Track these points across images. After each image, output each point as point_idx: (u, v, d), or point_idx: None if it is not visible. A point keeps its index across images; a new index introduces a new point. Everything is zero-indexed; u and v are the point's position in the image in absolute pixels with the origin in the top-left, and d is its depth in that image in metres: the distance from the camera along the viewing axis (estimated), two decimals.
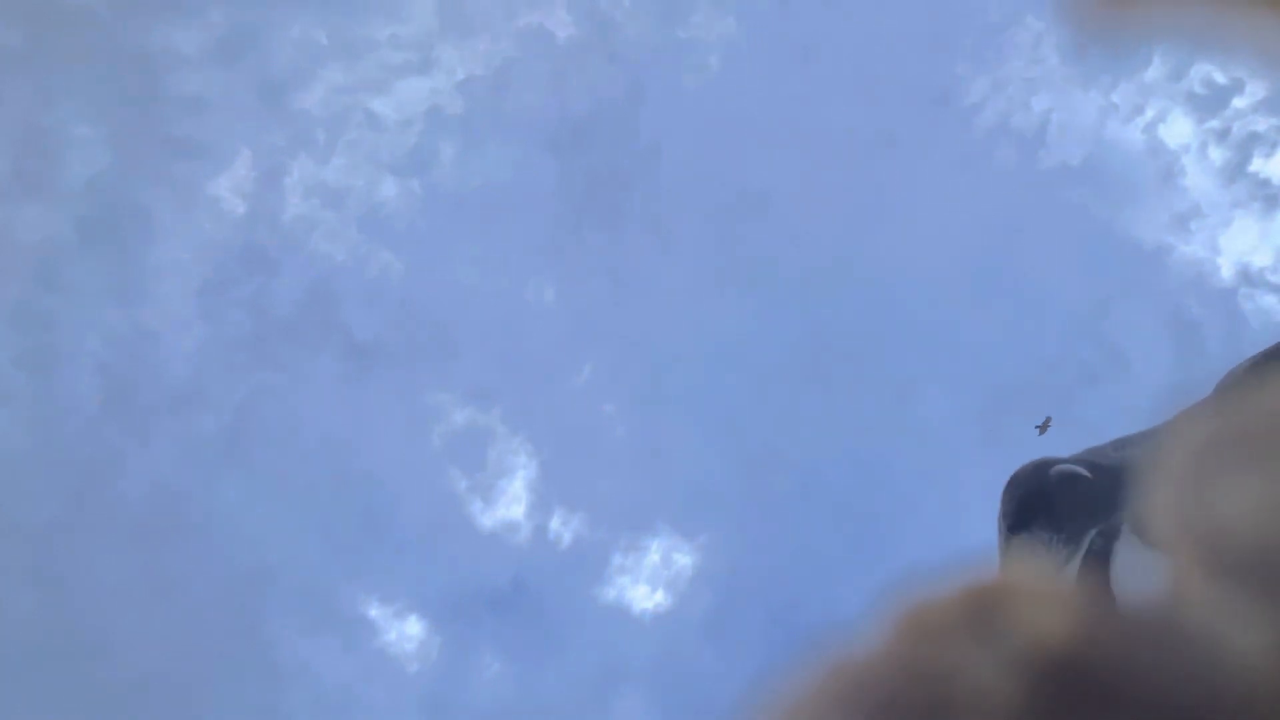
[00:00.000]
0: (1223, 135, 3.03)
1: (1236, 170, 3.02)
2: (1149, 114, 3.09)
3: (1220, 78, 3.07)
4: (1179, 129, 3.10)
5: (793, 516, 2.91)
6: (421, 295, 3.13)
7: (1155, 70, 3.10)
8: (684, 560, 2.99)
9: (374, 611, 3.05)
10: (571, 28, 3.26)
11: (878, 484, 2.86)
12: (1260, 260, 2.96)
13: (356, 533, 3.05)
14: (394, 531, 3.05)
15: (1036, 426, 2.83)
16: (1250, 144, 3.02)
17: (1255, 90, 3.04)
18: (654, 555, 3.00)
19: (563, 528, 3.05)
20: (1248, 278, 2.95)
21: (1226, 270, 2.96)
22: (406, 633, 3.04)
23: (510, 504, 3.07)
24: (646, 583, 2.99)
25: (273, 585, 3.02)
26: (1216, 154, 3.03)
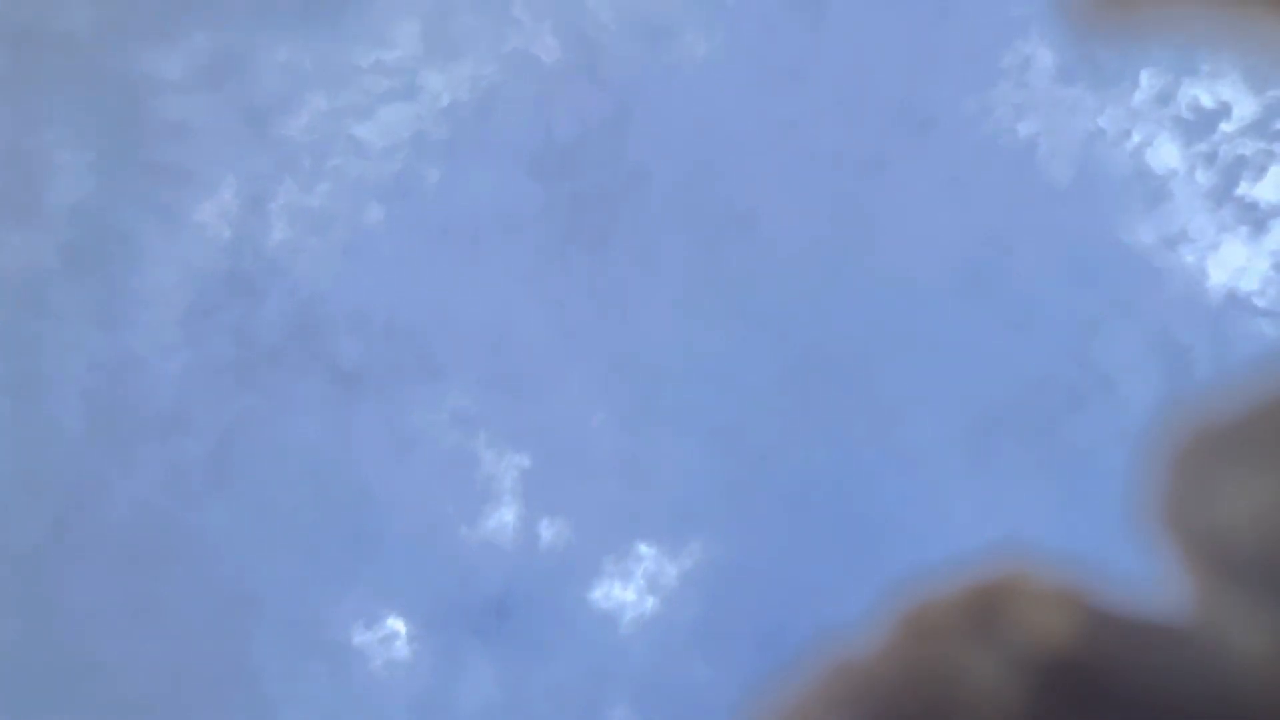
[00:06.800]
0: (1210, 159, 3.04)
1: (1224, 194, 3.04)
2: (1136, 138, 3.10)
3: (1208, 101, 3.08)
4: (1166, 153, 3.11)
5: (780, 532, 2.92)
6: (407, 319, 3.13)
7: (1142, 94, 3.11)
8: (672, 573, 3.00)
9: (361, 634, 3.04)
10: (557, 52, 3.26)
11: (864, 502, 2.87)
12: (1248, 283, 2.97)
13: (343, 556, 3.04)
14: (382, 554, 3.04)
15: None
16: (1237, 168, 3.03)
17: (1242, 114, 3.06)
18: (642, 570, 3.00)
19: (551, 546, 3.04)
20: (1235, 300, 2.96)
21: (1214, 293, 2.96)
22: (395, 655, 3.04)
23: (498, 524, 3.07)
24: (635, 597, 3.00)
25: (259, 609, 3.01)
26: (1204, 178, 3.04)
